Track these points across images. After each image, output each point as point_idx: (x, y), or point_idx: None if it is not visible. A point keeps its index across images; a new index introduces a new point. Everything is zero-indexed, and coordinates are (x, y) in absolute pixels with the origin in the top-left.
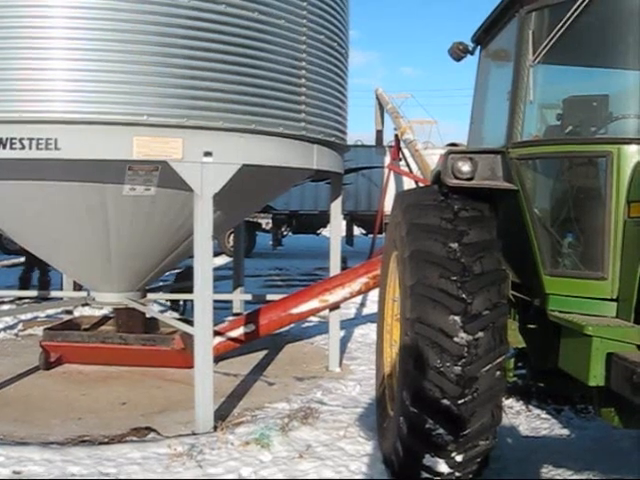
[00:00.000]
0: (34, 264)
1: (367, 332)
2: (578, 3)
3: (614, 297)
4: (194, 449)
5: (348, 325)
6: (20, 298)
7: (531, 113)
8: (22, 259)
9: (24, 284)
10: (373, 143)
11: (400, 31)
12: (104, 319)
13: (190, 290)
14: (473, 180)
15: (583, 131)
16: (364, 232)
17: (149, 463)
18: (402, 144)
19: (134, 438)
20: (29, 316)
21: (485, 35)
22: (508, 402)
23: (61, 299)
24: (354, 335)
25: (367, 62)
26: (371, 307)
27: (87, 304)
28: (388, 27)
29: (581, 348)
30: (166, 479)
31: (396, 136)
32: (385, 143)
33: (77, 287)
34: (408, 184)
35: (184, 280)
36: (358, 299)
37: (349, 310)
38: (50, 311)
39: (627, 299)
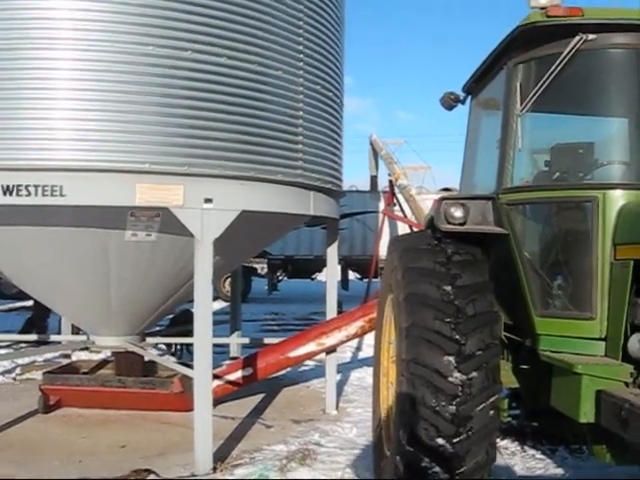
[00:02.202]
0: (42, 313)
1: (363, 375)
2: (562, 56)
3: (602, 336)
4: None
5: (344, 369)
6: (18, 342)
7: (520, 160)
8: (19, 304)
9: (32, 327)
10: (368, 188)
11: (393, 76)
12: (103, 363)
13: (185, 334)
14: (465, 225)
15: (570, 177)
16: (359, 276)
17: None
18: (396, 189)
19: None
20: (26, 360)
21: (475, 85)
22: (503, 443)
23: (59, 343)
24: (350, 378)
25: (362, 107)
26: (367, 351)
27: (85, 348)
28: (381, 72)
29: (571, 386)
30: None
31: (390, 182)
32: (380, 188)
33: (75, 331)
34: (402, 229)
35: (179, 325)
36: (354, 343)
37: (345, 354)
38: (48, 355)
39: (615, 338)
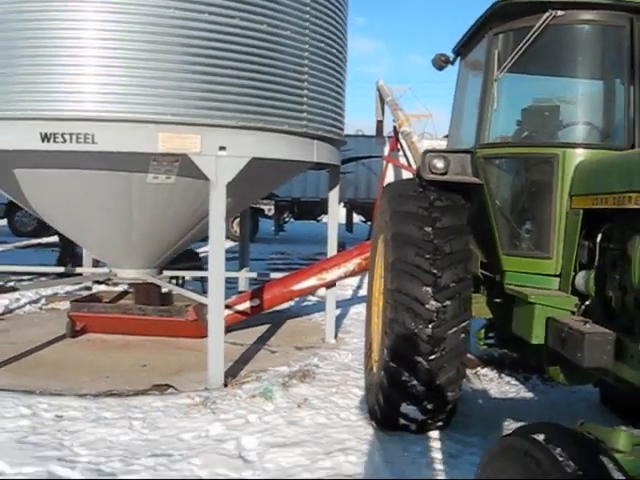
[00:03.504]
0: (68, 247)
1: (361, 311)
2: (534, 29)
3: (557, 273)
4: (208, 400)
5: (344, 304)
6: (41, 274)
7: (496, 119)
8: (34, 241)
9: (64, 261)
10: (374, 133)
11: (408, 18)
12: (123, 294)
13: (190, 269)
14: (446, 175)
15: (536, 136)
16: (363, 219)
17: (170, 411)
18: (400, 136)
19: (156, 392)
20: (49, 292)
21: (463, 49)
22: (483, 371)
23: (80, 274)
24: (349, 313)
25: (373, 49)
26: (365, 289)
27: (107, 280)
28: (396, 14)
29: (527, 314)
30: None
31: (394, 128)
32: (385, 134)
33: (95, 264)
34: (406, 174)
35: (183, 261)
36: (354, 282)
37: (345, 291)
38: (69, 288)
39: (566, 275)
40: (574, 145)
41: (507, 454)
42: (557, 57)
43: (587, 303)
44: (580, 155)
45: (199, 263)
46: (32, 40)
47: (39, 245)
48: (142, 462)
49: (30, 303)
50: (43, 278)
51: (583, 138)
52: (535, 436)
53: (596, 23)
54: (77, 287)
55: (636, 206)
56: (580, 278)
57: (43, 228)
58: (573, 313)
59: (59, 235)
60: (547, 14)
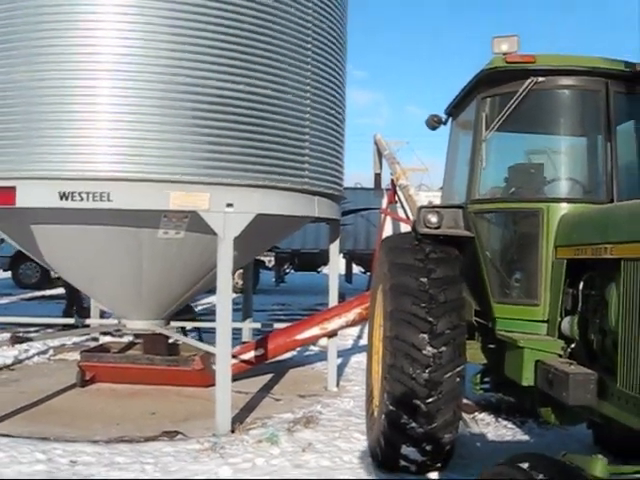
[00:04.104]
0: (73, 300)
1: (362, 359)
2: (518, 94)
3: (545, 319)
4: (216, 445)
5: (345, 354)
6: (48, 326)
7: (485, 177)
8: (38, 293)
9: (70, 312)
10: (372, 185)
11: (405, 70)
12: (131, 344)
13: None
14: (440, 229)
15: (523, 192)
16: (362, 270)
17: (180, 455)
18: (398, 188)
19: (165, 438)
20: (56, 343)
21: (454, 109)
22: (481, 416)
23: (88, 326)
24: (350, 362)
25: (372, 102)
26: (365, 339)
27: (109, 333)
28: (393, 67)
29: (517, 357)
30: None
31: (392, 181)
32: (383, 186)
33: (101, 315)
34: (404, 226)
35: (182, 314)
36: (355, 332)
37: (346, 341)
38: (76, 339)
39: (553, 320)
40: (558, 200)
41: None
42: (540, 119)
43: (572, 346)
44: (563, 209)
45: (194, 315)
46: (52, 105)
47: (43, 297)
48: None
49: (39, 354)
50: (50, 330)
51: (566, 193)
52: (520, 464)
53: (575, 88)
54: (84, 338)
55: (611, 256)
56: (565, 323)
57: (46, 280)
58: (560, 356)
59: (65, 287)
60: (529, 80)
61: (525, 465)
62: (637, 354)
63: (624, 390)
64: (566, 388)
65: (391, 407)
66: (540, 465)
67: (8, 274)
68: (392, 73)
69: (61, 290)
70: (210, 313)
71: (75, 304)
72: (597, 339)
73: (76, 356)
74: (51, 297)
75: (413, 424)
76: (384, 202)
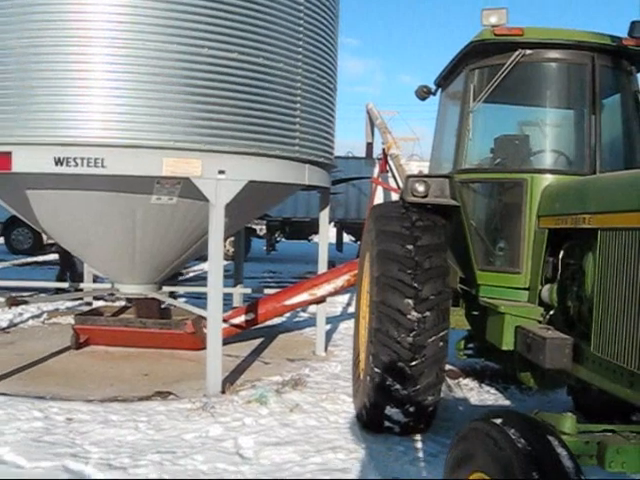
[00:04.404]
0: (66, 266)
1: (349, 326)
2: (505, 66)
3: (526, 287)
4: (207, 405)
5: (333, 320)
6: (41, 290)
7: (471, 147)
8: (30, 259)
9: (63, 277)
10: (364, 154)
11: (399, 39)
12: (123, 308)
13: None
14: (427, 198)
15: (508, 162)
16: (353, 239)
17: (173, 414)
18: (389, 158)
19: (158, 398)
20: (50, 307)
21: (443, 81)
22: (465, 381)
23: (82, 290)
24: (338, 328)
25: (366, 70)
26: (353, 307)
27: (102, 298)
28: (387, 35)
29: (498, 323)
30: None
31: (383, 150)
32: (375, 155)
33: (95, 280)
34: (395, 195)
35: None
36: (343, 299)
37: (335, 308)
38: (69, 303)
39: (534, 288)
40: (541, 171)
41: (471, 436)
42: (527, 91)
43: (551, 313)
44: (547, 180)
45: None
46: (48, 72)
47: (35, 263)
48: (149, 458)
49: (33, 318)
50: (43, 294)
51: (550, 164)
52: (494, 420)
53: (561, 61)
54: (77, 303)
55: (589, 226)
56: (545, 291)
57: (38, 246)
58: (540, 322)
59: (59, 253)
60: (517, 53)
61: (498, 421)
62: (610, 320)
63: (597, 354)
64: (543, 352)
65: (376, 370)
66: (513, 421)
67: (1, 240)
68: (386, 41)
69: (54, 256)
70: (200, 279)
71: (69, 270)
72: (574, 306)
73: (69, 320)
74: (44, 263)
75: (397, 386)
76: (375, 171)
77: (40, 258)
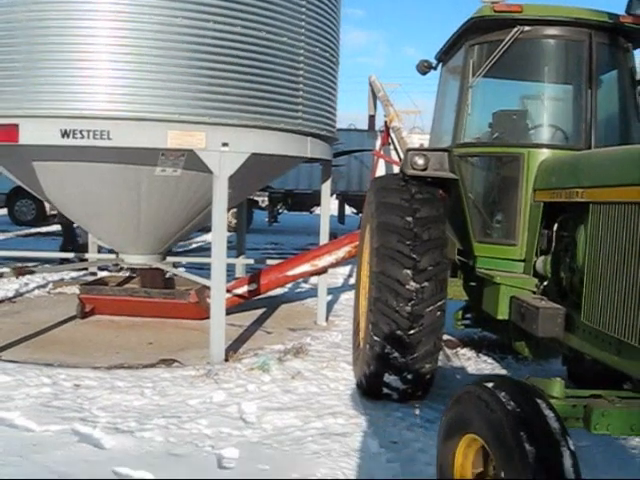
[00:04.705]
0: (69, 235)
1: (350, 297)
2: (504, 42)
3: (522, 258)
4: (211, 372)
5: (334, 291)
6: (46, 261)
7: (470, 121)
8: (33, 230)
9: (67, 247)
10: (366, 127)
11: (403, 11)
12: (128, 278)
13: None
14: (426, 171)
15: (505, 137)
16: (355, 211)
17: (177, 380)
18: (391, 130)
19: (163, 365)
20: (55, 277)
21: (444, 56)
22: (462, 351)
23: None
24: (340, 299)
25: (369, 41)
26: (354, 279)
27: (105, 268)
28: (392, 7)
29: (494, 293)
30: None
31: (385, 123)
32: (377, 128)
33: (99, 251)
34: (397, 168)
35: None
36: (344, 271)
37: (336, 279)
38: (73, 274)
39: (529, 259)
40: (538, 145)
41: (464, 399)
42: (525, 67)
43: (545, 284)
44: (543, 154)
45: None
46: (53, 45)
47: (38, 234)
48: (155, 422)
49: (38, 287)
50: (47, 265)
51: (546, 139)
52: (486, 384)
53: (559, 38)
54: (81, 273)
55: (581, 200)
56: (540, 262)
57: (41, 217)
58: (534, 293)
59: (61, 224)
60: (516, 29)
61: (490, 385)
62: (599, 291)
63: (588, 323)
64: (536, 321)
65: (375, 338)
66: (504, 385)
67: (4, 211)
68: (390, 13)
69: (57, 227)
70: (202, 250)
71: (71, 240)
72: (567, 277)
73: (74, 290)
74: (47, 234)
75: (396, 354)
76: (377, 144)
77: (43, 229)
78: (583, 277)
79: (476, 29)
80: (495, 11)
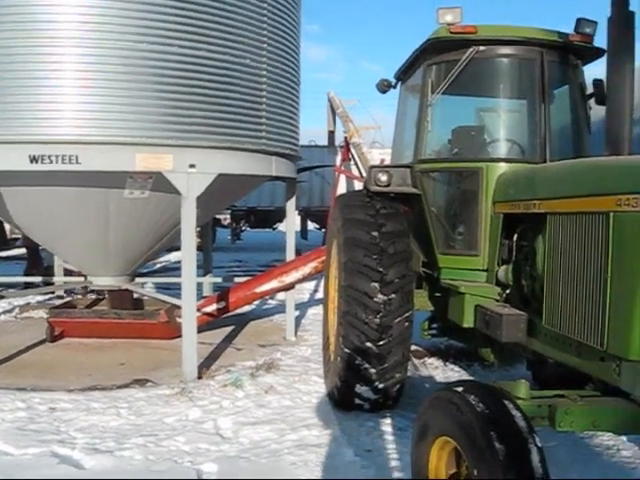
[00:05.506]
0: (34, 259)
1: (318, 312)
2: (460, 62)
3: (484, 268)
4: (185, 390)
5: (302, 307)
6: (9, 286)
7: (430, 138)
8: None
9: (32, 272)
10: (326, 142)
11: (362, 26)
12: (96, 300)
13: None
14: (389, 187)
15: (464, 152)
16: (317, 227)
17: (152, 400)
18: (351, 146)
19: (137, 385)
20: (20, 302)
21: (403, 75)
22: (430, 360)
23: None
24: (307, 314)
25: (328, 57)
26: (321, 294)
27: (72, 291)
28: (349, 21)
29: (459, 302)
30: None
31: (345, 139)
32: (337, 143)
33: (66, 274)
34: (358, 183)
35: None
36: (311, 286)
37: (303, 295)
38: (40, 298)
39: (491, 269)
40: (496, 160)
41: (435, 403)
42: (481, 85)
43: (507, 292)
44: (501, 168)
45: None
46: (20, 72)
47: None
48: (133, 441)
49: (4, 313)
50: (12, 290)
51: (504, 154)
52: (456, 389)
53: (512, 57)
54: (47, 297)
55: (539, 211)
56: (501, 271)
57: (2, 242)
58: (497, 301)
59: (27, 247)
60: (471, 49)
61: (460, 389)
62: (558, 296)
63: (549, 327)
64: (500, 327)
65: (346, 350)
66: (472, 389)
67: None
68: (348, 28)
69: (18, 251)
70: (167, 270)
71: (35, 264)
72: (528, 285)
73: (42, 314)
74: (8, 258)
75: (366, 365)
76: (338, 160)
77: (4, 253)
78: (543, 284)
79: (433, 49)
80: (451, 32)
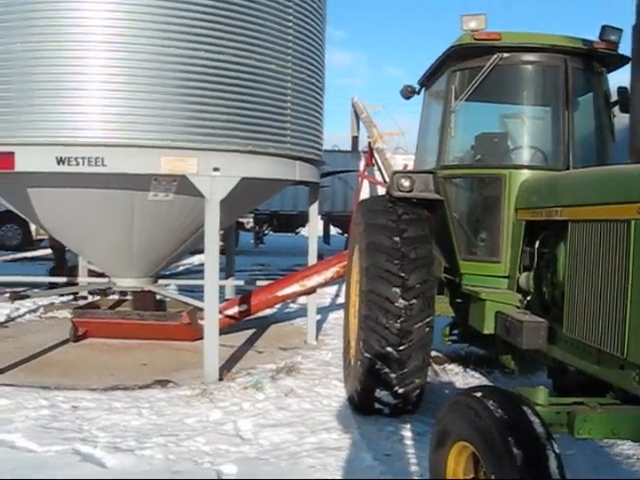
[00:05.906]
0: (60, 260)
1: (339, 316)
2: (484, 69)
3: (506, 275)
4: (206, 392)
5: (323, 311)
6: (36, 286)
7: (453, 145)
8: (19, 255)
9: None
10: (349, 147)
11: (385, 31)
12: (119, 301)
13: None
14: (412, 192)
15: (488, 159)
16: (340, 231)
17: (173, 400)
18: (375, 152)
19: (158, 386)
20: (45, 302)
21: (427, 81)
22: (450, 367)
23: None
24: (328, 318)
25: (352, 62)
26: (342, 298)
27: (96, 292)
28: (375, 27)
29: (480, 309)
30: None
31: (369, 144)
32: (360, 148)
33: (90, 275)
34: (381, 188)
35: None
36: (332, 291)
37: (325, 299)
38: (64, 298)
39: (513, 276)
40: (519, 167)
41: (454, 408)
42: (504, 91)
43: (528, 298)
44: (524, 175)
45: None
46: (48, 75)
47: (25, 259)
48: (154, 441)
49: (29, 312)
50: (36, 290)
51: (526, 160)
52: (475, 394)
53: (536, 63)
54: (71, 297)
55: (561, 218)
56: (523, 278)
57: (27, 242)
58: (518, 307)
59: (52, 248)
60: (495, 56)
61: (479, 394)
62: (579, 304)
63: (569, 335)
64: (520, 334)
65: (366, 354)
66: (491, 394)
67: None
68: (372, 33)
69: (43, 252)
70: (190, 272)
71: (61, 265)
72: (549, 292)
73: (65, 314)
74: (33, 258)
75: (386, 369)
76: (361, 165)
77: (29, 254)
78: (564, 291)
79: (457, 56)
80: (475, 39)
